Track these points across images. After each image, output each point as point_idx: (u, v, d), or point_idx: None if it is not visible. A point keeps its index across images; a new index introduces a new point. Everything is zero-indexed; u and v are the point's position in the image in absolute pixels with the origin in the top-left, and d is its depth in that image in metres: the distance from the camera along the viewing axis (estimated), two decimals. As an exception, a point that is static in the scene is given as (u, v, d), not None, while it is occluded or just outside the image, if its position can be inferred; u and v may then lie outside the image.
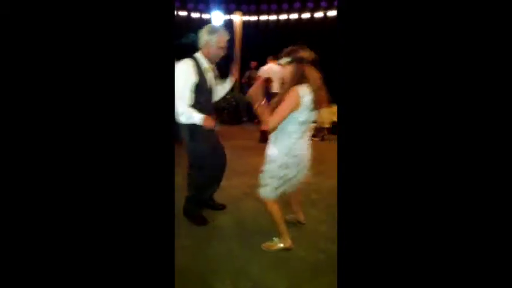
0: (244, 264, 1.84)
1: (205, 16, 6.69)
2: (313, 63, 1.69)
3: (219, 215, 2.43)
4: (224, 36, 2.03)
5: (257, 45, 6.79)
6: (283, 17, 6.45)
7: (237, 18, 6.56)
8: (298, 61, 1.66)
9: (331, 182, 3.18)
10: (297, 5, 6.22)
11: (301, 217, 2.30)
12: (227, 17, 6.71)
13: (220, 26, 2.19)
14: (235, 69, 2.33)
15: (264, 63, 5.59)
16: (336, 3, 6.01)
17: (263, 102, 1.70)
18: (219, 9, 6.45)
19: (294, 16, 6.35)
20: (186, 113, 1.95)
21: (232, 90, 2.38)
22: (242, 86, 6.62)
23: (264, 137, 4.46)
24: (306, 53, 1.67)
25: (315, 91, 1.66)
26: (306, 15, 6.25)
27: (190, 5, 6.52)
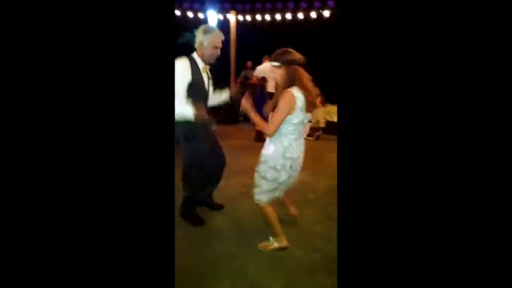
0: (241, 264, 1.84)
1: (200, 15, 6.66)
2: (303, 65, 1.70)
3: (215, 215, 2.42)
4: (219, 36, 2.03)
5: (252, 44, 6.79)
6: (278, 16, 6.46)
7: (232, 18, 6.55)
8: (288, 64, 1.67)
9: (327, 181, 3.19)
10: (291, 5, 6.24)
11: (293, 210, 2.31)
12: (222, 16, 6.70)
13: (215, 26, 2.18)
14: (234, 85, 2.28)
15: (259, 62, 5.59)
16: (329, 3, 6.04)
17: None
18: (213, 8, 6.44)
19: (288, 16, 6.37)
20: (178, 108, 1.92)
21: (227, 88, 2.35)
22: (238, 85, 6.60)
23: (259, 137, 4.47)
24: (294, 55, 1.68)
25: (307, 92, 1.67)
26: (300, 15, 6.28)
27: (185, 4, 6.49)
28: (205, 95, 2.10)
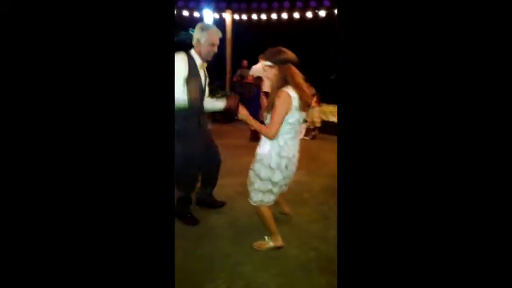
0: (236, 263, 1.84)
1: (195, 14, 6.64)
2: (296, 64, 1.69)
3: (211, 214, 2.41)
4: (216, 34, 2.02)
5: (248, 43, 6.78)
6: (274, 15, 6.47)
7: (228, 17, 6.53)
8: (280, 63, 1.65)
9: (322, 181, 3.21)
10: (287, 4, 6.25)
11: (286, 209, 2.33)
12: (217, 15, 6.68)
13: (212, 24, 2.17)
14: (231, 99, 2.21)
15: (254, 61, 5.58)
16: (325, 2, 6.05)
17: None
18: (209, 7, 6.42)
19: (284, 15, 6.38)
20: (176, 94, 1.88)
21: (223, 88, 2.34)
22: (233, 84, 6.59)
23: (254, 136, 4.46)
24: (287, 54, 1.66)
25: (301, 92, 1.66)
26: (296, 15, 6.30)
27: (181, 3, 6.46)
28: (201, 91, 2.09)
